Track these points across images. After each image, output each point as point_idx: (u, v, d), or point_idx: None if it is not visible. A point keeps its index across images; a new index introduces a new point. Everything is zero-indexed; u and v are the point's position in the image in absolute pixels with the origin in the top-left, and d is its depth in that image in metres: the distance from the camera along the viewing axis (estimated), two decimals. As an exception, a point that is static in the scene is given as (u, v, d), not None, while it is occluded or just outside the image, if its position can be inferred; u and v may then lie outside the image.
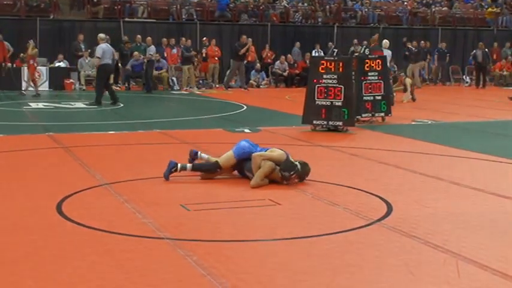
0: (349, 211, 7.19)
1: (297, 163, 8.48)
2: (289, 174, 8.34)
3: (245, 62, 26.84)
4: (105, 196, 7.82)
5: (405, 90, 21.18)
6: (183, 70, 25.68)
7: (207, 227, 6.51)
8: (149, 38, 25.62)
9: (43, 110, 18.27)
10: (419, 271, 5.29)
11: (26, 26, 26.79)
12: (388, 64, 19.59)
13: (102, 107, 18.51)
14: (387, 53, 19.92)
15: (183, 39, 26.61)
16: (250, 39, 26.83)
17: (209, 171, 8.87)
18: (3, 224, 6.58)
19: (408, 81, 21.60)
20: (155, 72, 25.55)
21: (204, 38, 27.21)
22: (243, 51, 25.47)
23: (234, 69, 26.06)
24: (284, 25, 31.13)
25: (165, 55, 26.28)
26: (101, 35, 19.50)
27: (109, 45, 19.35)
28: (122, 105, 18.98)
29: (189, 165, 8.87)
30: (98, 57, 18.97)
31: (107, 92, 19.21)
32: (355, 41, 28.90)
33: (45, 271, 5.21)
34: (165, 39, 26.77)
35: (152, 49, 24.79)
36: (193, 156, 9.18)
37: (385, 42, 20.72)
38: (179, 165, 8.76)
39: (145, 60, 24.39)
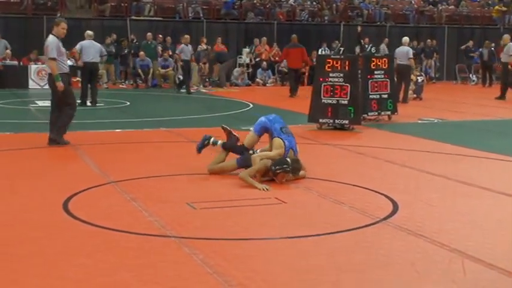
0: (355, 210, 7.19)
1: (288, 160, 8.52)
2: (274, 168, 8.38)
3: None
4: (111, 194, 7.84)
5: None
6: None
7: (213, 226, 6.51)
8: (187, 36, 24.34)
9: (50, 107, 18.25)
10: (425, 270, 5.28)
11: (33, 25, 26.88)
12: (407, 62, 19.71)
13: (93, 105, 18.27)
14: (405, 50, 19.94)
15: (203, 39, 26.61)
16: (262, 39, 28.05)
17: (235, 152, 9.17)
18: (10, 221, 6.60)
19: (413, 78, 21.61)
20: (162, 71, 25.61)
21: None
22: None
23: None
24: (290, 23, 31.11)
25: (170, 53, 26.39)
26: (88, 32, 19.23)
27: (94, 42, 18.82)
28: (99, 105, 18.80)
29: (220, 141, 9.23)
30: (78, 52, 18.83)
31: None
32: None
33: (50, 268, 5.22)
34: (168, 38, 26.91)
35: (182, 49, 23.17)
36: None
37: (405, 39, 20.74)
38: (212, 139, 9.23)
39: (178, 63, 23.72)
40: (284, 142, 8.77)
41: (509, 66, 21.91)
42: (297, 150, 9.00)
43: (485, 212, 7.22)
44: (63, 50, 11.43)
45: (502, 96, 21.82)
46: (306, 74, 26.81)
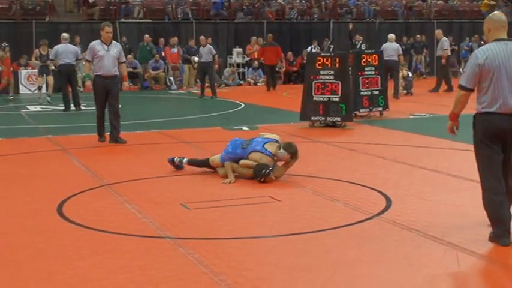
0: (349, 206, 7.22)
1: (269, 166, 8.50)
2: (258, 179, 8.48)
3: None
4: (105, 197, 7.85)
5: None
6: (184, 69, 25.59)
7: (207, 225, 6.54)
8: (203, 37, 23.69)
9: (41, 112, 18.26)
10: (418, 263, 5.32)
11: (22, 29, 26.77)
12: (397, 58, 19.76)
13: (77, 109, 18.03)
14: (395, 46, 19.97)
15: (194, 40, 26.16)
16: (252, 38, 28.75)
17: (200, 166, 9.31)
18: (5, 226, 6.61)
19: (404, 73, 21.63)
20: (152, 73, 25.59)
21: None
22: None
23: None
24: (280, 22, 31.11)
25: (163, 54, 26.32)
26: (64, 35, 19.21)
27: (68, 45, 18.68)
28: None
29: (185, 159, 9.34)
30: (51, 59, 18.85)
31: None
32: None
33: (46, 272, 5.24)
34: (162, 39, 26.85)
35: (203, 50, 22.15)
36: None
37: (391, 36, 20.78)
38: (176, 159, 9.34)
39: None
40: (258, 152, 8.63)
41: (443, 61, 22.45)
42: (268, 140, 8.88)
43: (477, 204, 7.22)
44: (101, 53, 11.85)
45: (436, 89, 22.52)
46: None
